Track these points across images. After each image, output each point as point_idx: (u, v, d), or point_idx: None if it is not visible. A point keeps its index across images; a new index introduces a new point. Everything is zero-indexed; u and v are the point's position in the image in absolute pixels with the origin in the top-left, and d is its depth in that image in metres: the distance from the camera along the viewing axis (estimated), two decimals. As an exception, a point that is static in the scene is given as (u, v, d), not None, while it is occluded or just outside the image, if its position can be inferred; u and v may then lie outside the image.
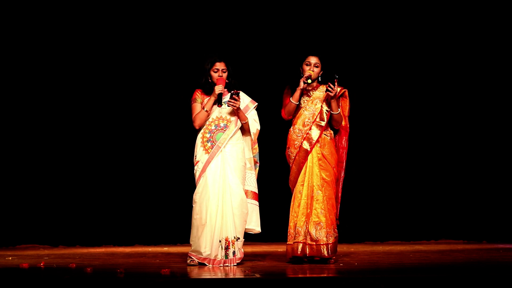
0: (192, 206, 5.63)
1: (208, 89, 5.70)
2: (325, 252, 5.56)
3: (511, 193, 8.47)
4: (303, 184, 5.66)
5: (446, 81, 8.58)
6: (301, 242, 5.59)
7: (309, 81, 5.61)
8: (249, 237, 6.24)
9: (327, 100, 5.66)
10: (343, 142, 5.81)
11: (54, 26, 8.29)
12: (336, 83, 5.55)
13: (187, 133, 6.04)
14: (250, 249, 7.30)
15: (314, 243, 5.56)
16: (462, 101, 8.56)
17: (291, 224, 5.66)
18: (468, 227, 8.48)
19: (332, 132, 5.77)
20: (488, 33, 8.48)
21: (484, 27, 8.47)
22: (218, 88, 5.60)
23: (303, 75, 5.67)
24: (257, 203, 5.79)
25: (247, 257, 6.19)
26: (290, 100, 5.68)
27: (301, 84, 5.62)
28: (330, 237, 5.58)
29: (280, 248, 7.22)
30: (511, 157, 8.51)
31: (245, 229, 5.72)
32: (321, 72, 5.71)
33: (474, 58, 8.52)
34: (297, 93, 5.66)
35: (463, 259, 6.00)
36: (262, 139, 5.91)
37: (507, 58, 8.48)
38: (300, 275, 4.84)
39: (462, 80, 8.56)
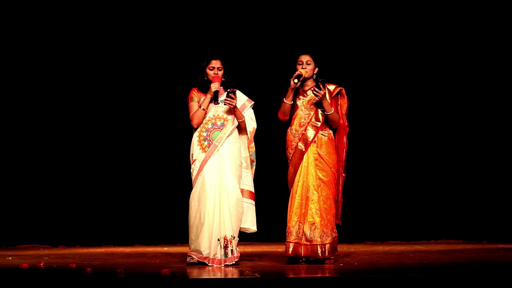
0: (189, 205, 5.62)
1: (204, 87, 5.70)
2: (320, 253, 5.55)
3: (511, 193, 8.46)
4: (298, 184, 5.66)
5: (446, 81, 8.57)
6: (292, 242, 5.59)
7: (295, 81, 5.57)
8: (248, 237, 6.24)
9: (317, 103, 5.65)
10: (343, 141, 5.79)
11: (54, 26, 8.29)
12: (321, 86, 5.53)
13: (186, 132, 6.04)
14: (250, 249, 7.30)
15: (309, 243, 5.56)
16: (462, 101, 8.56)
17: (288, 224, 5.67)
18: (468, 227, 8.48)
19: (331, 132, 5.75)
20: (488, 32, 8.47)
21: (484, 26, 8.47)
22: (214, 86, 5.61)
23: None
24: (253, 202, 5.79)
25: (247, 257, 6.20)
26: (283, 101, 5.68)
27: (291, 84, 5.61)
28: (326, 237, 5.57)
29: (280, 248, 7.22)
30: (511, 157, 8.50)
31: (241, 228, 5.71)
32: (316, 69, 5.70)
33: (474, 57, 8.51)
34: (289, 93, 5.65)
35: (463, 259, 6.00)
36: (259, 138, 5.91)
37: (507, 58, 8.47)
38: (300, 275, 4.84)
39: (462, 79, 8.55)
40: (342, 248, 6.90)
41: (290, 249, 5.59)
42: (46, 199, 8.30)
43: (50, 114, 8.35)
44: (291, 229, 5.61)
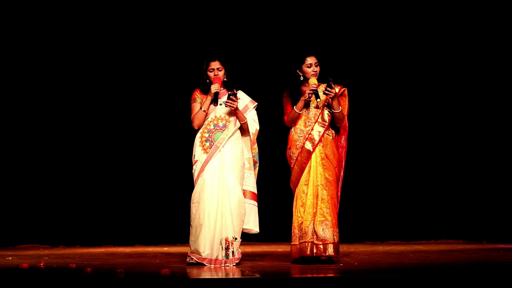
0: (190, 206, 5.63)
1: (206, 89, 5.69)
2: (332, 251, 5.55)
3: (511, 193, 8.46)
4: (307, 184, 5.64)
5: (445, 81, 8.57)
6: (309, 242, 5.56)
7: (318, 100, 5.59)
8: (249, 237, 6.24)
9: (328, 102, 5.65)
10: (342, 142, 5.80)
11: (54, 26, 8.29)
12: (332, 85, 5.54)
13: (187, 133, 6.05)
14: (250, 249, 7.30)
15: (321, 242, 5.54)
16: (462, 101, 8.56)
17: (295, 224, 5.64)
18: (468, 227, 8.48)
19: (333, 131, 5.76)
20: (488, 33, 8.47)
21: (484, 27, 8.47)
22: (214, 87, 5.60)
23: (301, 77, 5.67)
24: (255, 203, 5.78)
25: (247, 257, 6.20)
26: (293, 110, 5.66)
27: (306, 95, 5.59)
28: (336, 236, 5.58)
29: (280, 248, 7.22)
30: (511, 157, 8.50)
31: (243, 229, 5.70)
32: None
33: (474, 57, 8.52)
34: (300, 103, 5.64)
35: (463, 259, 6.00)
36: (261, 139, 5.91)
37: (507, 58, 8.47)
38: (300, 275, 4.84)
39: (462, 79, 8.56)
40: (342, 248, 6.87)
41: (309, 249, 5.55)
42: (46, 199, 8.30)
43: (51, 114, 8.36)
44: (306, 229, 5.58)
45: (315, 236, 5.56)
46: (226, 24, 8.43)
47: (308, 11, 8.49)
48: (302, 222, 5.60)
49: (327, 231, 5.56)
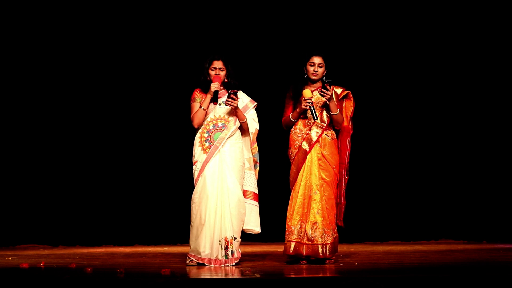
0: (191, 206, 5.63)
1: (206, 88, 5.70)
2: (321, 252, 5.56)
3: (511, 193, 8.46)
4: (300, 184, 5.67)
5: (446, 82, 8.57)
6: (293, 241, 5.60)
7: (315, 120, 5.58)
8: (249, 237, 6.24)
9: (323, 104, 5.65)
10: (346, 143, 5.78)
11: (54, 26, 8.29)
12: (327, 87, 5.53)
13: (187, 133, 6.05)
14: (250, 249, 7.30)
15: (310, 242, 5.57)
16: (462, 102, 8.55)
17: (288, 223, 5.67)
18: (468, 227, 8.48)
19: (334, 132, 5.75)
20: (488, 33, 8.47)
21: (484, 28, 8.47)
22: (214, 86, 5.61)
23: (305, 75, 5.67)
24: (256, 203, 5.78)
25: (247, 257, 6.20)
26: (289, 117, 5.69)
27: (302, 107, 5.59)
28: (327, 237, 5.58)
29: (280, 248, 7.20)
30: (511, 157, 8.50)
31: (244, 229, 5.71)
32: (325, 72, 5.69)
33: (474, 59, 8.51)
34: (295, 114, 5.67)
35: (463, 259, 6.00)
36: (262, 138, 5.91)
37: (507, 58, 8.47)
38: (300, 275, 4.84)
39: (462, 81, 8.55)
40: (342, 248, 6.90)
41: (291, 248, 5.60)
42: (46, 199, 8.30)
43: (51, 114, 8.35)
44: (293, 228, 5.62)
45: (305, 236, 5.58)
46: (227, 23, 8.41)
47: (314, 13, 8.47)
48: (291, 221, 5.62)
49: (316, 232, 5.58)
